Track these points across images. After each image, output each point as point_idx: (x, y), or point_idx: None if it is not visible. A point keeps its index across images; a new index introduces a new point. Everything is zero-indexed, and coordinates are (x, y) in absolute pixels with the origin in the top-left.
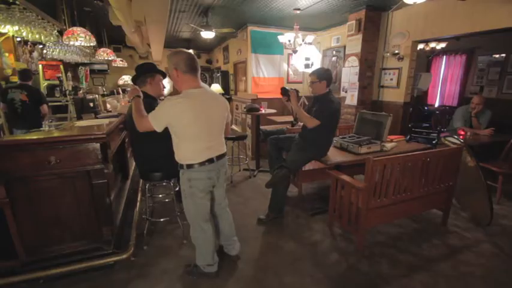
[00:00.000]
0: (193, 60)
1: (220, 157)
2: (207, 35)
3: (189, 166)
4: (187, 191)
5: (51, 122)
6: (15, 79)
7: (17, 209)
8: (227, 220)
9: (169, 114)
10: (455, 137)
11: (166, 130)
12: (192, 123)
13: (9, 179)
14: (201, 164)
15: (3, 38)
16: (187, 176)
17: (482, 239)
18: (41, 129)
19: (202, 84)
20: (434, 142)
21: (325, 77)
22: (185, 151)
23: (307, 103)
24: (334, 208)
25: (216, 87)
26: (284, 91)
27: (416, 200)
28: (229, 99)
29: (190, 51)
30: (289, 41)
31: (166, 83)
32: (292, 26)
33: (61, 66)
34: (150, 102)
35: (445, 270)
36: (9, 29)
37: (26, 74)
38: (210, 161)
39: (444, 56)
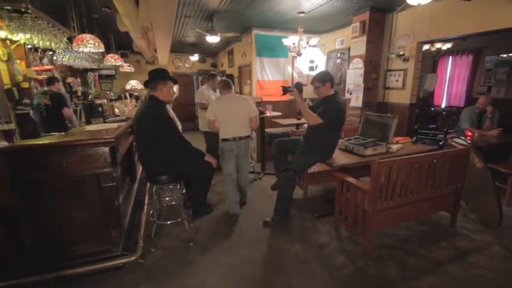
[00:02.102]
0: (227, 82)
1: (241, 138)
2: (212, 39)
3: (222, 140)
4: (220, 155)
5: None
6: (26, 85)
7: (28, 212)
8: (245, 179)
9: (213, 108)
10: (462, 138)
11: (172, 134)
12: (222, 114)
13: (21, 182)
14: (225, 139)
15: (15, 45)
16: (220, 146)
17: (491, 241)
18: (52, 134)
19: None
20: (441, 143)
21: (327, 78)
22: (220, 131)
23: (310, 104)
24: (340, 210)
25: None
26: (285, 90)
27: (424, 202)
28: None
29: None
30: (294, 43)
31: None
32: (296, 29)
33: (54, 71)
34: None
35: (454, 273)
36: (21, 37)
37: (50, 80)
38: (233, 139)
39: (450, 57)
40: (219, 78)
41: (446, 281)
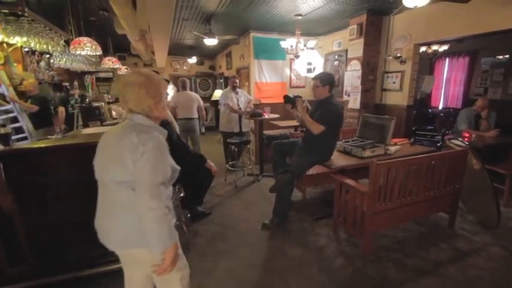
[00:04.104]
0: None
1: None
2: (210, 42)
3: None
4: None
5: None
6: (22, 88)
7: (25, 215)
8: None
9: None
10: (460, 139)
11: (170, 138)
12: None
13: (18, 185)
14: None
15: (12, 48)
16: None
17: (490, 242)
18: (49, 137)
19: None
20: (438, 145)
21: (328, 81)
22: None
23: (310, 107)
24: (338, 212)
25: (220, 93)
26: (288, 99)
27: (422, 203)
28: None
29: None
30: (291, 46)
31: (170, 90)
32: (294, 31)
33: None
34: None
35: (453, 274)
36: (18, 40)
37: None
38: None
39: (447, 58)
40: (237, 81)
41: (445, 282)
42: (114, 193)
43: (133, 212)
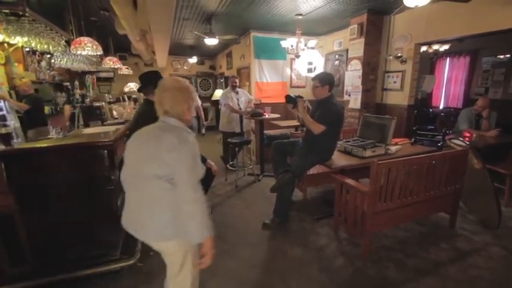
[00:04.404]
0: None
1: None
2: (211, 41)
3: None
4: None
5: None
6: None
7: (26, 215)
8: None
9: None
10: (461, 139)
11: None
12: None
13: (18, 185)
14: None
15: (13, 48)
16: None
17: (491, 242)
18: (49, 136)
19: None
20: (439, 145)
21: (328, 81)
22: None
23: (310, 107)
24: (339, 212)
25: (220, 93)
26: (289, 99)
27: (423, 203)
28: None
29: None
30: (292, 46)
31: None
32: (294, 31)
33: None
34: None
35: (453, 274)
36: (19, 40)
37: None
38: None
39: (448, 58)
40: (237, 80)
41: (446, 282)
42: (150, 188)
43: (169, 207)
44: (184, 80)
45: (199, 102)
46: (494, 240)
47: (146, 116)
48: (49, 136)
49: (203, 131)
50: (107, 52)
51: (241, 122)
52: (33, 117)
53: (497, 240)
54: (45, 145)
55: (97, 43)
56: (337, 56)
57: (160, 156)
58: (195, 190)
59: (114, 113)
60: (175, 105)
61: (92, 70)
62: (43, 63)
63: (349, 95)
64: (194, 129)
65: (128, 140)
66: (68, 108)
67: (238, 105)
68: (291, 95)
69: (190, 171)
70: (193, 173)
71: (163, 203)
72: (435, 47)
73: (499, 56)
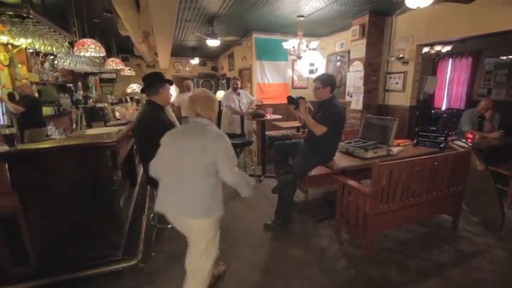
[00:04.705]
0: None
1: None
2: (213, 43)
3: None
4: None
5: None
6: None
7: (29, 216)
8: None
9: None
10: (463, 140)
11: None
12: None
13: (21, 186)
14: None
15: (17, 49)
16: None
17: (494, 244)
18: (53, 137)
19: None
20: (442, 146)
21: (329, 83)
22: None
23: (312, 108)
24: (341, 213)
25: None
26: (291, 100)
27: (425, 204)
28: None
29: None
30: (294, 47)
31: (173, 90)
32: (296, 32)
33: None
34: (159, 111)
35: (456, 276)
36: (23, 42)
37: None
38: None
39: (450, 59)
40: (238, 82)
41: (448, 284)
42: (195, 174)
43: (209, 189)
44: (211, 93)
45: None
46: (497, 242)
47: (149, 117)
48: (52, 137)
49: None
50: (109, 53)
51: (242, 123)
52: (29, 118)
53: (500, 242)
54: (48, 146)
55: (100, 44)
56: (338, 57)
57: (206, 146)
58: (236, 171)
59: (117, 114)
60: (206, 109)
61: (95, 71)
62: (46, 65)
63: (351, 96)
64: None
65: (162, 139)
66: (75, 111)
67: (240, 106)
68: (293, 96)
69: (231, 156)
70: (233, 158)
71: (204, 185)
72: (437, 48)
73: (501, 57)
